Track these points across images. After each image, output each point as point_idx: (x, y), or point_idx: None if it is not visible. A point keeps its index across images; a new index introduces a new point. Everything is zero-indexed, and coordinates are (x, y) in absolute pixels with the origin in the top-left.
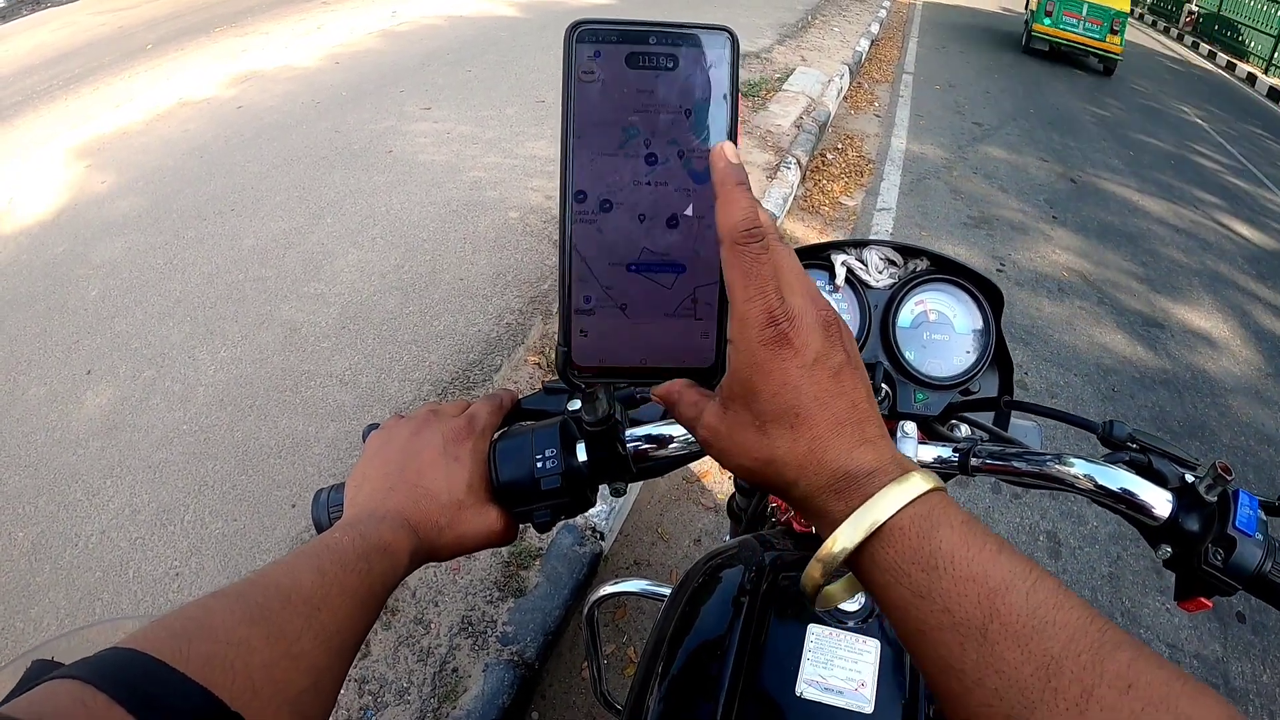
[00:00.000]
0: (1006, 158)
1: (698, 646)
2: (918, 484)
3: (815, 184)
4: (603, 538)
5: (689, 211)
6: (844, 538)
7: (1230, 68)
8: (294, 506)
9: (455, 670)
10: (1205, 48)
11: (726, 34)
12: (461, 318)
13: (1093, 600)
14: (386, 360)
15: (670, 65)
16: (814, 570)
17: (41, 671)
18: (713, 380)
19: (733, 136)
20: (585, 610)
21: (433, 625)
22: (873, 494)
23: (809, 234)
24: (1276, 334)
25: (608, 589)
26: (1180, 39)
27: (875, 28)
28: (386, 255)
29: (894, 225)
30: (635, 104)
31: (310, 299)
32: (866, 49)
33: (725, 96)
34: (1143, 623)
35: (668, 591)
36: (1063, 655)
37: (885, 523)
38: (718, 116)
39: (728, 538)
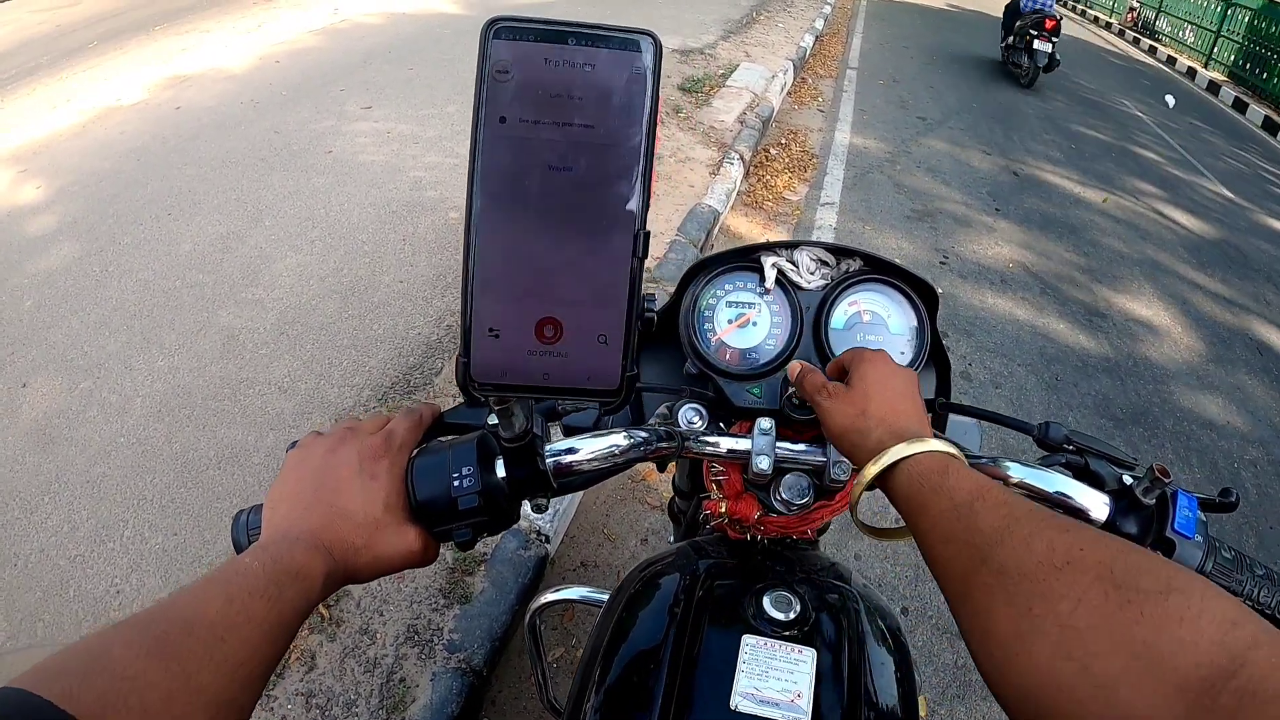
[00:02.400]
0: (950, 151)
1: (633, 656)
2: (936, 444)
3: (759, 179)
4: (548, 540)
5: (598, 245)
6: (898, 450)
7: (1171, 62)
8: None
9: (403, 680)
10: (1146, 43)
11: (650, 38)
12: (402, 320)
13: None
14: (326, 366)
15: (589, 68)
16: (865, 477)
17: None
18: (617, 403)
19: (649, 151)
20: (527, 619)
21: (378, 635)
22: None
23: (752, 228)
24: (1216, 320)
25: (548, 597)
26: (1121, 34)
27: (820, 23)
28: (326, 258)
29: (837, 219)
30: (551, 108)
31: (249, 304)
32: (811, 44)
33: (645, 101)
34: None
35: (605, 598)
36: (1024, 516)
37: (927, 450)
38: (636, 127)
39: (672, 540)
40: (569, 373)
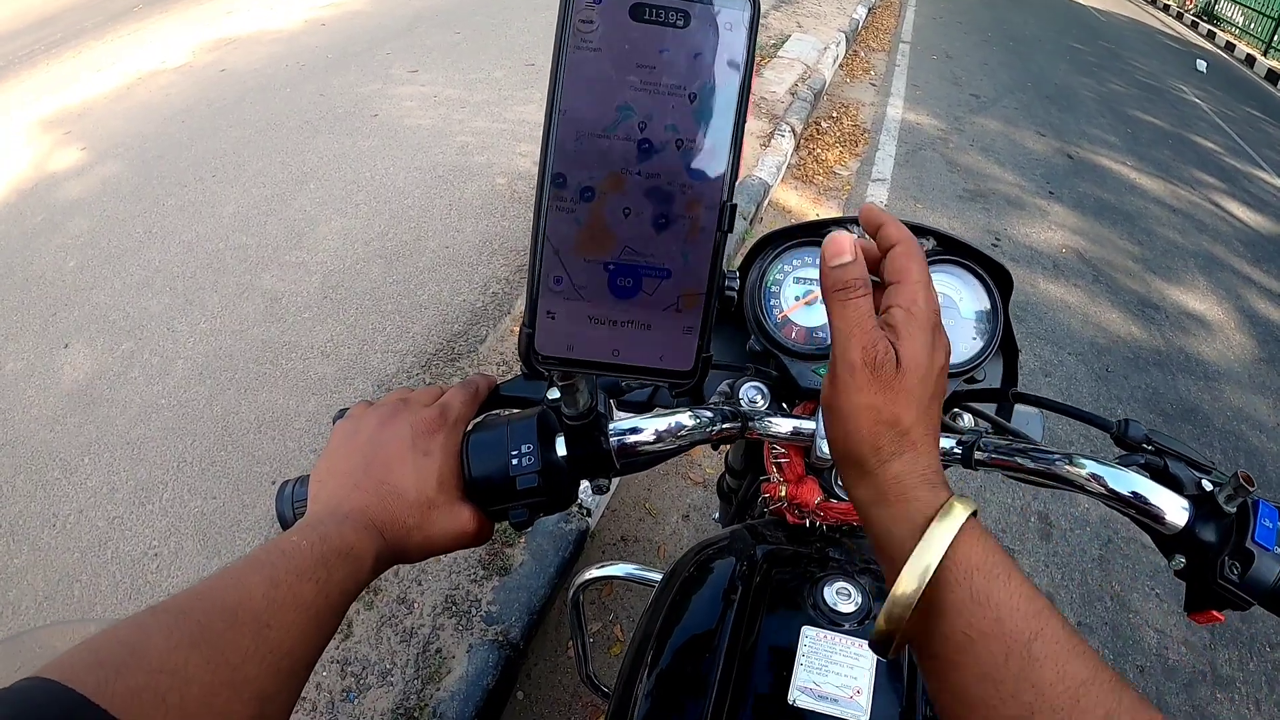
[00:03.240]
0: (1003, 130)
1: (687, 641)
2: (964, 506)
3: (809, 152)
4: (589, 514)
5: (682, 210)
6: (943, 532)
7: (1229, 48)
8: (274, 483)
9: (439, 651)
10: (1205, 27)
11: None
12: (446, 287)
13: (1082, 584)
14: (369, 331)
15: (679, 23)
16: (888, 610)
17: None
18: (690, 385)
19: (742, 113)
20: (570, 594)
21: (416, 605)
22: (946, 499)
23: (802, 203)
24: (1270, 320)
25: (593, 573)
26: (1180, 18)
27: None
28: (370, 222)
29: (888, 196)
30: (635, 70)
31: (292, 268)
32: (864, 16)
33: (739, 66)
34: (1131, 607)
35: (654, 576)
36: (1091, 680)
37: (964, 526)
38: (727, 92)
39: (716, 515)
40: (641, 350)
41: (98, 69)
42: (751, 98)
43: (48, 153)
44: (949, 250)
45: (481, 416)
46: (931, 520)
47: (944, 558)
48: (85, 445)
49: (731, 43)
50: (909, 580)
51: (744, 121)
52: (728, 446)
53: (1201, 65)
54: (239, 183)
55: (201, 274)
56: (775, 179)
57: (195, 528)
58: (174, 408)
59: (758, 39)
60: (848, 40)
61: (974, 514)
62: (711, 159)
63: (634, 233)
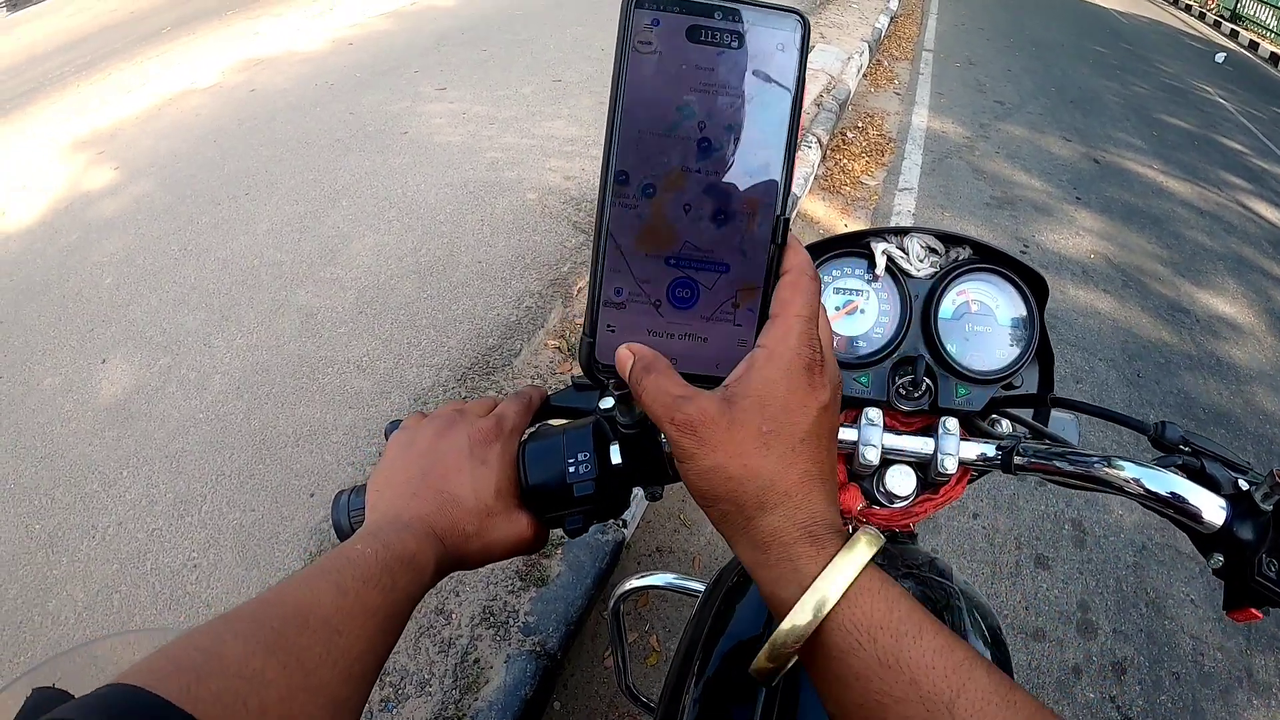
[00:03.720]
0: (1029, 137)
1: (733, 648)
2: (865, 547)
3: (836, 163)
4: (625, 525)
5: (739, 207)
6: (821, 591)
7: (1253, 47)
8: (313, 496)
9: (477, 661)
10: (1228, 26)
11: (798, 17)
12: (480, 301)
13: (1117, 590)
14: (404, 345)
15: (734, 44)
16: (763, 656)
17: (42, 700)
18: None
19: (795, 126)
20: (611, 604)
21: (454, 615)
22: (836, 550)
23: (830, 213)
24: None
25: (634, 583)
26: (1202, 18)
27: (894, 4)
28: (403, 238)
29: (916, 205)
30: (692, 82)
31: (327, 284)
32: (886, 25)
33: (790, 85)
34: (1167, 614)
35: (695, 585)
36: None
37: (853, 584)
38: (779, 107)
39: None
40: (698, 358)
41: (128, 90)
42: (802, 119)
43: (81, 172)
44: (985, 258)
45: (535, 427)
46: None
47: (845, 617)
48: (124, 458)
49: (783, 62)
50: (803, 613)
51: (796, 139)
52: None
53: (1220, 57)
54: (272, 200)
55: (237, 290)
56: (803, 190)
57: (234, 540)
58: (211, 421)
59: (807, 58)
60: (871, 49)
61: (880, 551)
62: (765, 175)
63: (694, 228)
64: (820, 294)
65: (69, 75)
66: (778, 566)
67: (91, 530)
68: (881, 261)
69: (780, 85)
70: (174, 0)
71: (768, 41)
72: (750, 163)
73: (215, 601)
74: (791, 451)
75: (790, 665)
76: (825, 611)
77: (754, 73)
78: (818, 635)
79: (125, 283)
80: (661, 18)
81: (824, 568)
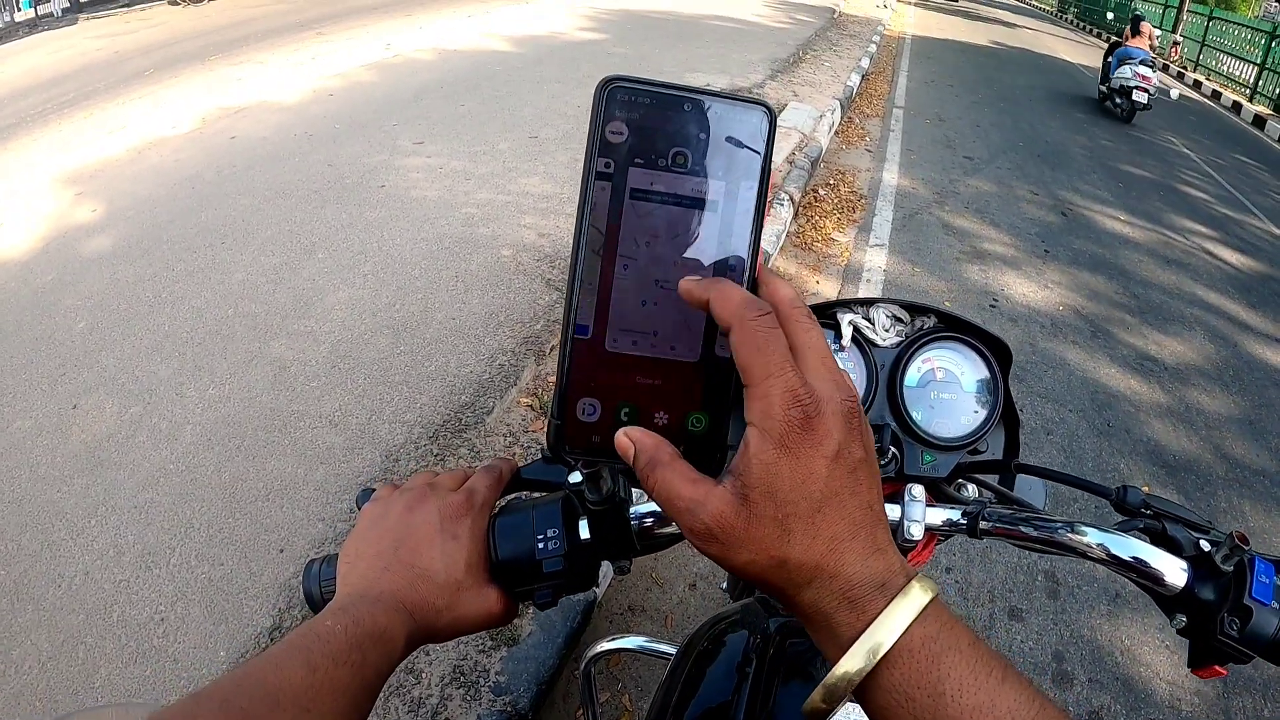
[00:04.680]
0: (997, 191)
1: (703, 713)
2: (919, 596)
3: (808, 220)
4: (597, 585)
5: (701, 309)
6: (852, 661)
7: (1216, 96)
8: (282, 551)
9: None
10: (1190, 77)
11: (764, 109)
12: (454, 358)
13: (1091, 640)
14: (377, 401)
15: (702, 135)
16: (816, 698)
17: None
18: (709, 471)
19: (760, 216)
20: (582, 665)
21: (424, 675)
22: (881, 609)
23: (802, 271)
24: (1269, 364)
25: (606, 645)
26: (1165, 69)
27: (866, 62)
28: (378, 293)
29: (887, 261)
30: (662, 172)
31: (300, 336)
32: (858, 83)
33: (755, 174)
34: (1142, 661)
35: (666, 649)
36: None
37: (895, 644)
38: (746, 194)
39: (724, 585)
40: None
41: (109, 131)
42: (769, 206)
43: (59, 212)
44: (949, 326)
45: (505, 500)
46: (862, 633)
47: (884, 678)
48: (92, 507)
49: (750, 152)
50: (855, 659)
51: (761, 226)
52: None
53: (1174, 94)
54: (248, 250)
55: (210, 340)
56: (775, 247)
57: (202, 594)
58: (181, 473)
59: (774, 149)
60: (843, 107)
61: (935, 597)
62: (733, 259)
63: (660, 328)
64: (781, 339)
65: (50, 114)
66: (822, 632)
67: (58, 579)
68: (848, 332)
69: (748, 173)
70: (158, 43)
71: (736, 130)
72: (718, 251)
73: (181, 656)
74: (812, 526)
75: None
76: (900, 630)
77: (722, 162)
78: (864, 691)
79: (98, 328)
80: (632, 107)
81: (868, 626)
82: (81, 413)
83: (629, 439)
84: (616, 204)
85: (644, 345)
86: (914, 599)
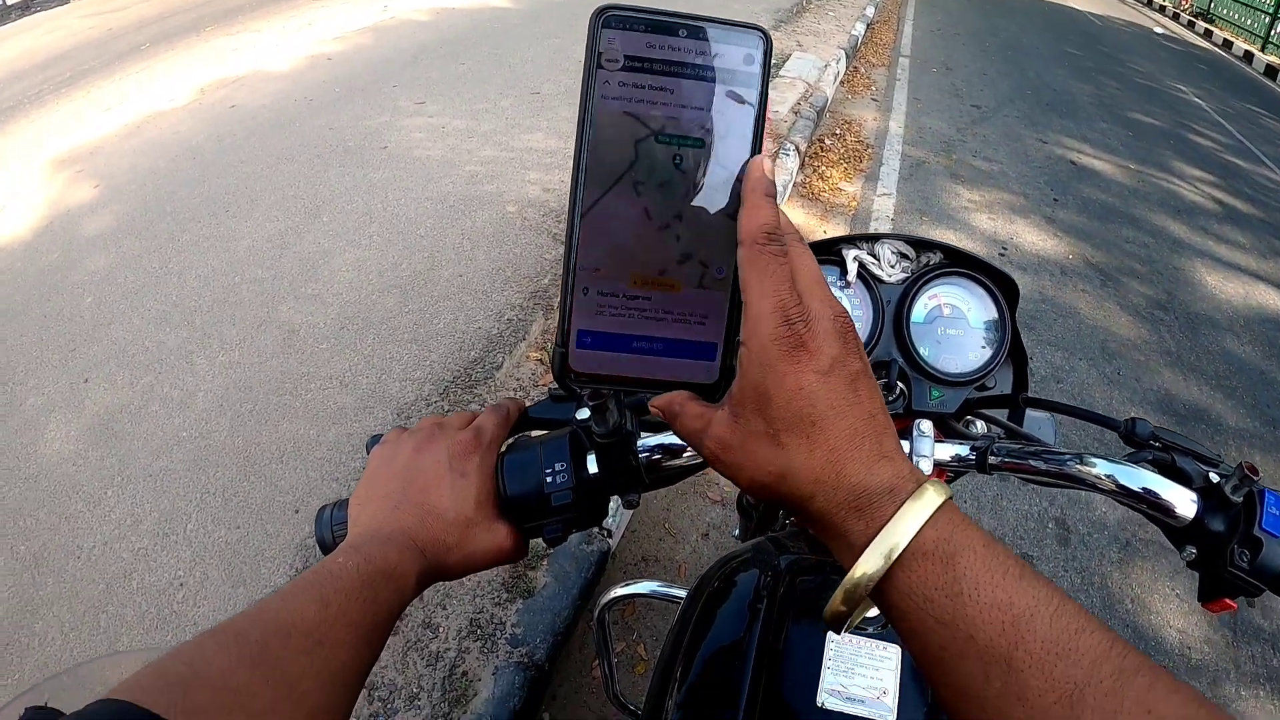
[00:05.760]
0: (1005, 140)
1: (715, 652)
2: (932, 499)
3: (814, 170)
4: (610, 535)
5: (706, 220)
6: (868, 563)
7: (1227, 45)
8: (297, 512)
9: (465, 674)
10: (1201, 26)
11: (760, 33)
12: (462, 315)
13: (1102, 587)
14: (386, 360)
15: (699, 60)
16: (837, 600)
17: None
18: (715, 396)
19: (758, 142)
20: (596, 613)
21: (441, 629)
22: (892, 514)
23: (809, 220)
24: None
25: (619, 591)
26: (1176, 18)
27: (871, 10)
28: (384, 253)
29: (894, 210)
30: (659, 98)
31: (308, 300)
32: (863, 32)
33: (753, 99)
34: (1152, 609)
35: (679, 593)
36: (1085, 683)
37: (908, 546)
38: (743, 120)
39: (735, 533)
40: (668, 365)
41: (106, 108)
42: (768, 129)
43: (60, 191)
44: (956, 263)
45: (513, 439)
46: (872, 540)
47: (900, 580)
48: (108, 478)
49: (746, 76)
50: (871, 561)
51: (760, 149)
52: None
53: (1158, 30)
54: (252, 217)
55: (218, 308)
56: (782, 197)
57: (220, 557)
58: (195, 440)
59: (770, 72)
60: (848, 57)
61: (948, 500)
62: (731, 182)
63: (662, 253)
64: (787, 265)
65: (47, 93)
66: (836, 540)
67: (77, 551)
68: (853, 268)
69: (745, 96)
70: (151, 18)
71: (732, 55)
72: (716, 177)
73: (203, 620)
74: (807, 439)
75: (858, 619)
76: (914, 531)
77: (718, 88)
78: (882, 595)
79: (106, 301)
80: (626, 35)
81: (879, 530)
82: (93, 386)
83: (655, 408)
84: (614, 132)
85: (645, 272)
86: (926, 501)
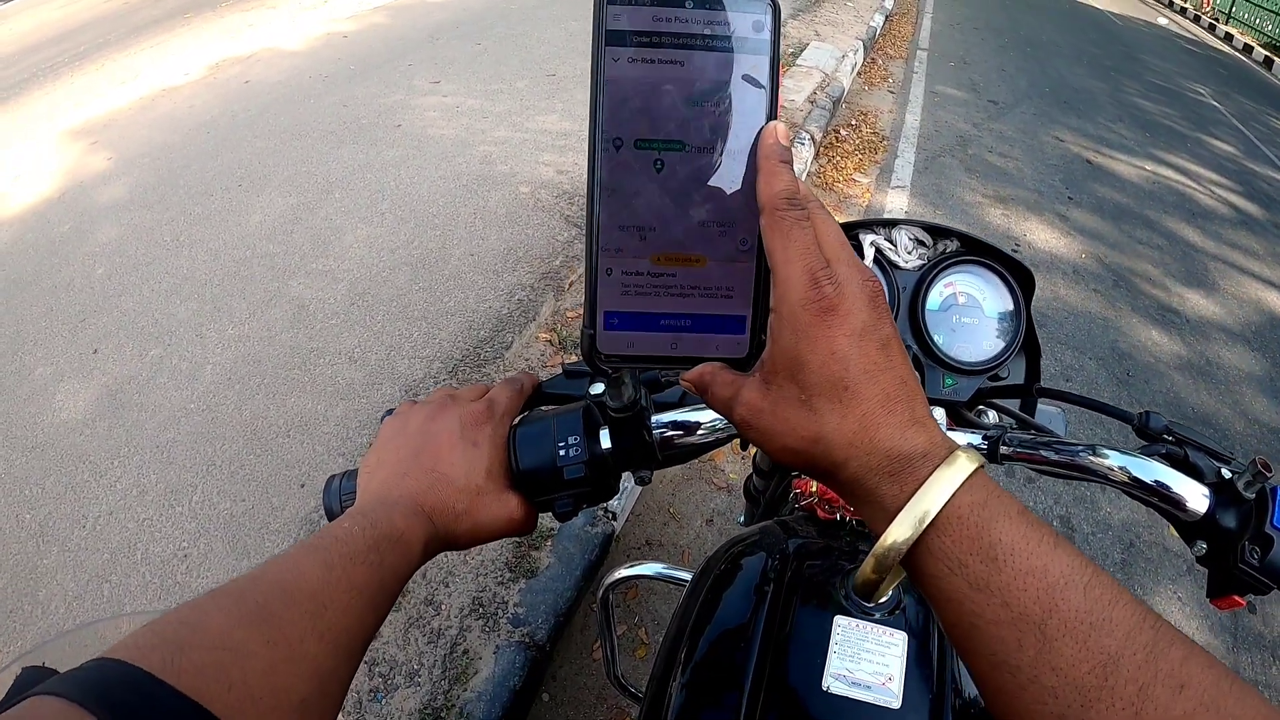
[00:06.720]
0: (1022, 136)
1: (720, 635)
2: (965, 465)
3: (829, 160)
4: (614, 518)
5: (724, 188)
6: (902, 527)
7: (1247, 50)
8: (303, 486)
9: (466, 652)
10: (1222, 29)
11: (769, 1)
12: (472, 294)
13: None
14: (396, 337)
15: (707, 30)
16: (867, 568)
17: (32, 679)
18: (747, 369)
19: (773, 111)
20: (599, 594)
21: (443, 606)
22: (925, 478)
23: None
24: None
25: (623, 572)
26: (1197, 20)
27: (890, 3)
28: (396, 231)
29: (908, 203)
30: (669, 73)
31: (319, 275)
32: (881, 24)
33: (765, 69)
34: (1154, 609)
35: (684, 575)
36: (1119, 653)
37: (942, 510)
38: (755, 90)
39: (741, 518)
40: (697, 341)
41: (121, 81)
42: (780, 101)
43: (74, 162)
44: (971, 250)
45: (526, 412)
46: (904, 505)
47: (934, 544)
48: (115, 449)
49: (756, 46)
50: (903, 527)
51: (776, 105)
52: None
53: (1162, 21)
54: (265, 192)
55: (229, 282)
56: None
57: (224, 530)
58: (203, 412)
59: (780, 42)
60: (866, 48)
61: (980, 467)
62: (745, 151)
63: (684, 229)
64: (812, 229)
65: (62, 66)
66: (869, 506)
67: (82, 520)
68: (870, 253)
69: (757, 67)
70: None
71: (741, 25)
72: (732, 147)
73: (205, 591)
74: (840, 404)
75: (889, 587)
76: (945, 498)
77: (728, 58)
78: (915, 560)
79: (117, 273)
80: (633, 10)
81: (913, 495)
82: (102, 357)
83: (687, 382)
84: (626, 110)
85: (668, 249)
86: (960, 467)
